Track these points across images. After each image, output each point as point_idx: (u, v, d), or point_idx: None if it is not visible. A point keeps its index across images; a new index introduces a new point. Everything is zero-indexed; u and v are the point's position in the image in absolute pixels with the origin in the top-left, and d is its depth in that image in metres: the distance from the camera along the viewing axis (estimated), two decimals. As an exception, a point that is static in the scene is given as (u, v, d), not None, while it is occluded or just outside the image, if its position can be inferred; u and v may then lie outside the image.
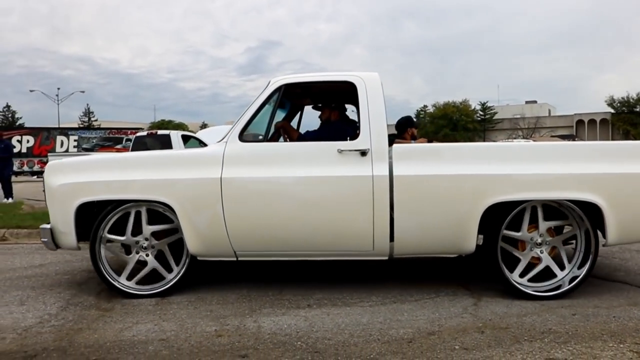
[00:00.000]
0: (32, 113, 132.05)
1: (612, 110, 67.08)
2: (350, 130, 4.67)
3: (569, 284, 4.46)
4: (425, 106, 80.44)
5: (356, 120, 5.09)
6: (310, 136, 5.27)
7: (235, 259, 4.68)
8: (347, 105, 5.77)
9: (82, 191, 4.59)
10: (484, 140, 63.21)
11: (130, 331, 3.82)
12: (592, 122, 70.39)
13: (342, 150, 4.48)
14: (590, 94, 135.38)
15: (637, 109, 64.51)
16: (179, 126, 70.26)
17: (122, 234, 4.65)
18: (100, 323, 4.01)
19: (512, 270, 4.48)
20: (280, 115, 5.76)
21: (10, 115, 78.18)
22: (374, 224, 4.40)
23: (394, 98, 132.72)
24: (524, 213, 4.44)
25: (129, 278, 4.70)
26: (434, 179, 4.37)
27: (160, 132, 16.51)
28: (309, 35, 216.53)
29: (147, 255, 4.70)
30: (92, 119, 78.10)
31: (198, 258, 4.67)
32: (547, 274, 4.52)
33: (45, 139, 34.50)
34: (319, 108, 5.77)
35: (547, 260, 4.52)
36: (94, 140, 35.32)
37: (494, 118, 73.41)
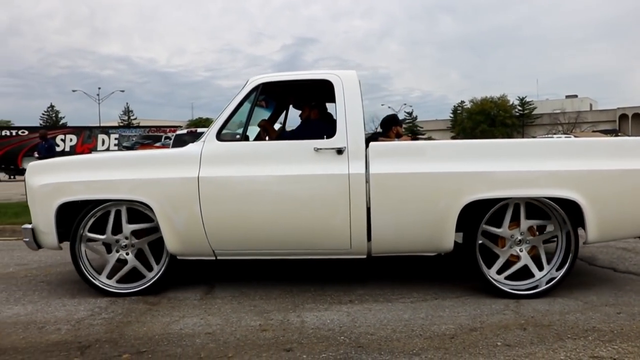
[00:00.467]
0: (74, 112, 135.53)
1: (658, 104, 65.21)
2: (328, 128, 4.63)
3: (546, 284, 4.43)
4: (462, 102, 79.69)
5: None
6: (289, 135, 5.29)
7: (214, 258, 4.72)
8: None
9: (62, 191, 4.64)
10: (523, 136, 62.31)
11: (177, 325, 3.94)
12: (636, 116, 68.52)
13: (318, 149, 4.47)
14: (634, 87, 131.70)
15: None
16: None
17: (103, 233, 4.71)
18: (148, 316, 4.14)
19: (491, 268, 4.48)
20: (265, 115, 5.82)
21: (53, 115, 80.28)
22: (350, 222, 4.40)
23: (431, 94, 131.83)
24: (506, 210, 4.40)
25: (110, 276, 4.77)
26: (410, 177, 4.35)
27: (199, 129, 16.75)
28: (344, 32, 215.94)
29: (127, 254, 4.75)
30: (132, 117, 79.52)
31: (178, 257, 4.72)
32: (525, 273, 4.49)
33: (87, 138, 35.29)
34: (300, 107, 5.79)
35: (525, 259, 4.49)
36: (134, 139, 35.98)
37: (533, 113, 72.17)
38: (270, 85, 4.82)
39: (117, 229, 4.70)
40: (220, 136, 4.62)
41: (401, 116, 70.16)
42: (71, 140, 34.98)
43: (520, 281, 4.48)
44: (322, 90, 4.99)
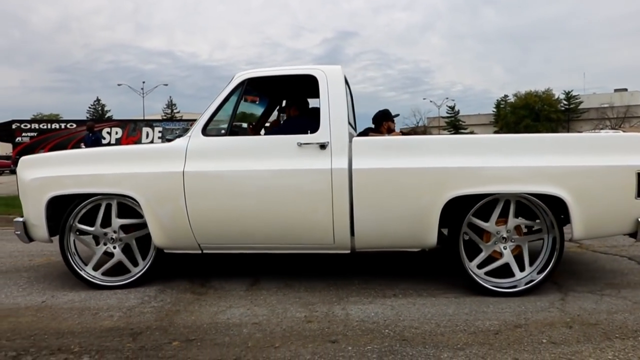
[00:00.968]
0: (119, 106, 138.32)
1: None
2: (312, 123, 4.62)
3: (525, 285, 4.39)
4: (505, 96, 78.14)
5: None
6: (275, 130, 5.28)
7: (200, 251, 4.78)
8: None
9: (52, 185, 4.73)
10: (568, 131, 60.86)
11: (224, 314, 4.04)
12: (689, 110, 66.17)
13: (301, 144, 4.49)
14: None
15: None
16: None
17: (93, 225, 4.81)
18: (196, 306, 4.26)
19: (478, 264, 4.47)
20: (257, 111, 5.86)
21: (100, 109, 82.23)
22: (333, 217, 4.40)
23: (473, 88, 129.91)
24: (496, 205, 4.37)
25: (96, 269, 4.87)
26: (393, 172, 4.32)
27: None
28: (385, 25, 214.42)
29: (114, 247, 4.84)
30: (175, 110, 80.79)
31: (165, 251, 4.79)
32: (506, 271, 4.46)
33: (132, 131, 35.95)
34: (288, 103, 5.80)
35: (508, 258, 4.45)
36: (177, 132, 36.52)
37: (579, 108, 70.33)
38: (256, 81, 4.86)
39: (107, 223, 4.81)
40: (205, 131, 4.67)
41: (443, 111, 69.63)
42: (117, 133, 35.68)
43: (501, 279, 4.45)
44: (307, 85, 5.00)
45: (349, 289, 4.61)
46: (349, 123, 5.06)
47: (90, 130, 15.01)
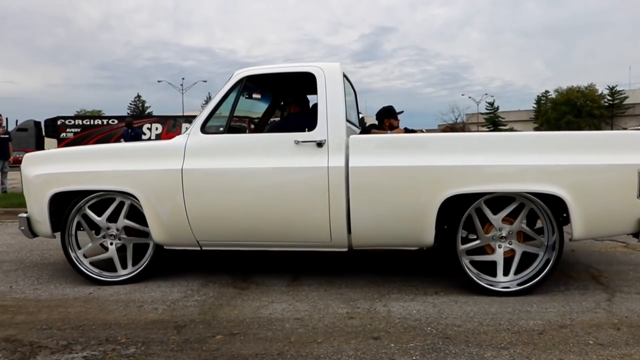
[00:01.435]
0: (159, 102, 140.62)
1: None
2: (310, 121, 4.58)
3: (500, 288, 4.34)
4: (546, 91, 76.42)
5: None
6: (273, 128, 5.24)
7: (199, 248, 4.80)
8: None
9: (54, 182, 4.80)
10: (612, 128, 59.42)
11: (266, 309, 4.09)
12: None
13: (298, 142, 4.46)
14: None
15: None
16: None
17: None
18: (239, 300, 4.32)
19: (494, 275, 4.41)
20: (259, 108, 5.86)
21: (140, 105, 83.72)
22: (330, 215, 4.38)
23: (513, 83, 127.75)
24: (510, 203, 4.32)
25: (86, 256, 4.98)
26: (390, 170, 4.28)
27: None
28: (424, 21, 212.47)
29: (110, 243, 4.90)
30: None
31: (164, 247, 4.83)
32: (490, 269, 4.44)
33: (172, 127, 36.45)
34: (287, 100, 5.78)
35: (498, 257, 4.39)
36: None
37: (624, 103, 68.47)
38: (255, 78, 4.86)
39: (114, 219, 4.89)
40: (204, 129, 4.68)
41: (482, 107, 68.69)
42: (157, 128, 36.26)
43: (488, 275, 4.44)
44: (306, 83, 4.96)
45: (390, 286, 4.61)
46: (349, 121, 5.07)
47: (129, 126, 15.36)
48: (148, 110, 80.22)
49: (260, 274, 5.06)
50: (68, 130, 29.59)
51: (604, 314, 3.84)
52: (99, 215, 4.85)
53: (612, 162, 4.14)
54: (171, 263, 5.57)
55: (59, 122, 29.40)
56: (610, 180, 4.17)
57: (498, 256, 4.40)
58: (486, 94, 78.67)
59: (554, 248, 4.32)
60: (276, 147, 4.53)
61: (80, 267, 4.91)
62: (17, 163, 7.37)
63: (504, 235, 4.38)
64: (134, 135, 15.11)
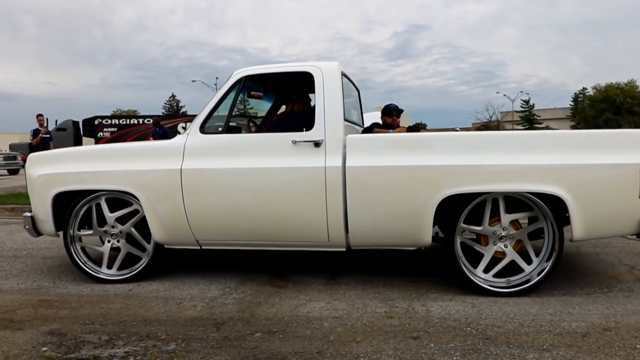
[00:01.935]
0: (193, 101, 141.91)
1: None
2: (308, 121, 4.55)
3: (538, 276, 4.27)
4: (584, 88, 74.63)
5: None
6: (271, 127, 5.23)
7: (199, 247, 4.81)
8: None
9: (57, 182, 4.86)
10: (653, 126, 57.84)
11: (304, 308, 4.09)
12: None
13: (296, 142, 4.44)
14: None
15: None
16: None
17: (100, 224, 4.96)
18: (276, 298, 4.33)
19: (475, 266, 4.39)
20: (262, 107, 5.85)
21: (175, 104, 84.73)
22: (327, 215, 4.37)
23: (549, 81, 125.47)
24: (485, 206, 4.28)
25: (109, 267, 5.00)
26: (386, 170, 4.25)
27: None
28: (458, 18, 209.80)
29: (118, 241, 4.96)
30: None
31: (165, 246, 4.85)
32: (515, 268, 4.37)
33: (206, 125, 36.90)
34: (288, 99, 5.75)
35: (511, 255, 4.35)
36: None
37: (665, 100, 66.63)
38: (254, 78, 4.87)
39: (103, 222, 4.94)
40: (203, 129, 4.69)
41: (517, 105, 67.62)
42: (191, 127, 36.69)
43: (510, 277, 4.37)
44: (304, 83, 4.94)
45: (428, 285, 4.57)
46: (350, 120, 5.05)
47: (157, 125, 15.85)
48: (182, 110, 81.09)
49: (297, 273, 5.08)
50: (105, 129, 30.09)
51: (650, 317, 3.74)
52: (112, 211, 4.92)
53: (613, 161, 4.07)
54: (208, 261, 5.64)
55: (96, 122, 29.90)
56: (611, 180, 4.10)
57: (511, 254, 4.36)
58: (521, 92, 77.62)
59: (550, 257, 4.28)
60: (274, 147, 4.54)
61: (112, 278, 4.96)
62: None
63: (502, 234, 4.34)
64: (162, 133, 15.45)
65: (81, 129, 30.25)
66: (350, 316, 3.88)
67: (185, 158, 4.64)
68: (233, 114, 4.74)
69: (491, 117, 70.37)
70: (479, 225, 4.35)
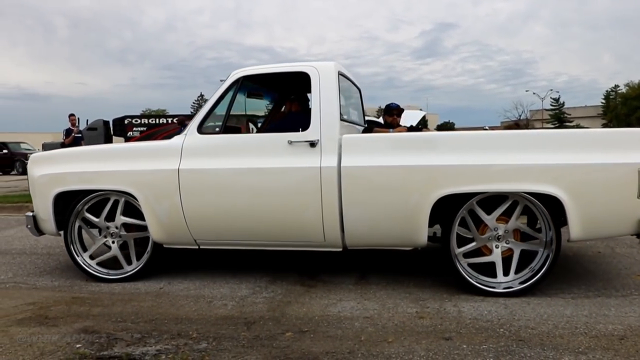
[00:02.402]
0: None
1: None
2: (305, 121, 4.52)
3: (502, 289, 4.26)
4: (616, 86, 73.23)
5: None
6: (269, 128, 5.20)
7: (197, 247, 4.81)
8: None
9: (58, 182, 4.92)
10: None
11: (335, 307, 4.08)
12: None
13: (292, 142, 4.43)
14: None
15: None
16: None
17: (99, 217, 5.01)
18: (307, 298, 4.33)
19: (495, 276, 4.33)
20: (261, 107, 5.85)
21: (203, 103, 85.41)
22: (322, 215, 4.35)
23: (579, 79, 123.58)
24: (503, 202, 4.21)
25: (92, 258, 5.08)
26: (381, 170, 4.22)
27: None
28: (486, 15, 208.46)
29: (112, 242, 5.03)
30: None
31: (164, 246, 4.86)
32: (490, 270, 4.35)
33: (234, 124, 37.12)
34: (286, 99, 5.72)
35: (496, 257, 4.31)
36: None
37: (700, 98, 64.94)
38: (251, 79, 4.86)
39: (112, 217, 4.99)
40: (201, 129, 4.71)
41: (547, 103, 66.67)
42: (219, 127, 36.95)
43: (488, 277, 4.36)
44: (301, 83, 4.90)
45: (459, 285, 4.51)
46: (349, 120, 5.02)
47: (181, 124, 15.93)
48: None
49: (327, 272, 5.07)
50: (135, 129, 30.45)
51: (690, 320, 3.64)
52: (97, 216, 4.99)
53: (611, 160, 3.99)
54: (238, 259, 5.66)
55: (126, 122, 30.27)
56: (609, 179, 4.02)
57: (496, 257, 4.31)
58: (551, 90, 76.15)
59: (552, 243, 4.22)
60: (270, 147, 4.55)
61: (89, 269, 5.07)
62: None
63: (500, 234, 4.29)
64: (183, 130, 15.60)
65: (111, 129, 30.66)
66: (382, 316, 3.86)
67: (182, 158, 4.67)
68: (231, 114, 4.77)
69: (520, 116, 69.40)
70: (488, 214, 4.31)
